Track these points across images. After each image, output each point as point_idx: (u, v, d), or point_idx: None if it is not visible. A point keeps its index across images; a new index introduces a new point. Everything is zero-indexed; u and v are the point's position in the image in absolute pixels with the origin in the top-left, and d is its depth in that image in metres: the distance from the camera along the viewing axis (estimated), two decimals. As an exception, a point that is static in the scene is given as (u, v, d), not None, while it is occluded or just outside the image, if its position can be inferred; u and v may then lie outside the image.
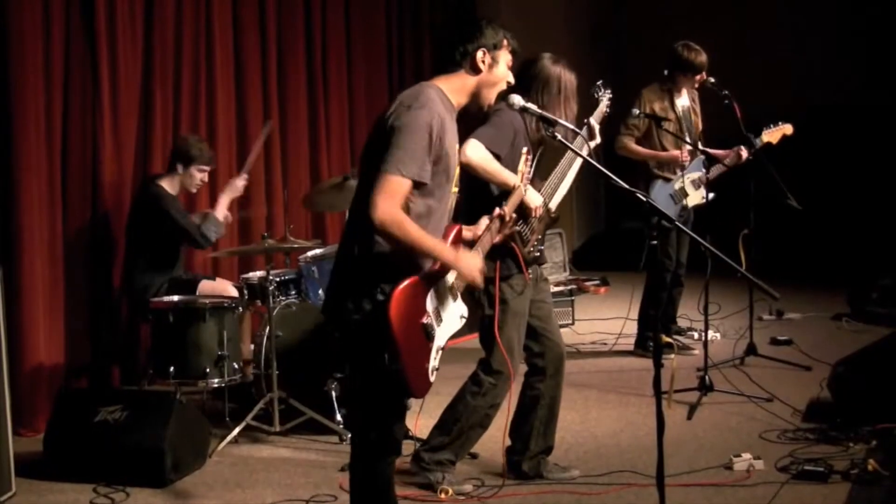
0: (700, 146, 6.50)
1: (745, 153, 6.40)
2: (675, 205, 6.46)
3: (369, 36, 8.42)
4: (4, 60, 5.29)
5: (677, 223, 3.46)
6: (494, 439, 4.53)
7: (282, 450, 5.05)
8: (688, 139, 6.49)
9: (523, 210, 4.19)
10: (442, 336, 3.28)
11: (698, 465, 4.58)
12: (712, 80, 6.37)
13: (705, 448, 4.85)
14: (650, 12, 11.35)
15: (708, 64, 6.48)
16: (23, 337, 5.27)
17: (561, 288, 8.19)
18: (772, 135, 6.40)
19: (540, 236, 4.37)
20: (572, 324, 7.93)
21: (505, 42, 3.35)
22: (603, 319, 7.81)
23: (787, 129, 6.45)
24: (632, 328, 7.02)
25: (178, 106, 6.50)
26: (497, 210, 3.67)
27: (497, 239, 3.71)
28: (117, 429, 4.57)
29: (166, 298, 5.34)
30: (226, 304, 5.24)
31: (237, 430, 5.08)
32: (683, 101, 6.66)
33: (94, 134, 5.78)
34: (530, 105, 3.99)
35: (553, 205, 4.44)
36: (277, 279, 5.57)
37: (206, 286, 5.72)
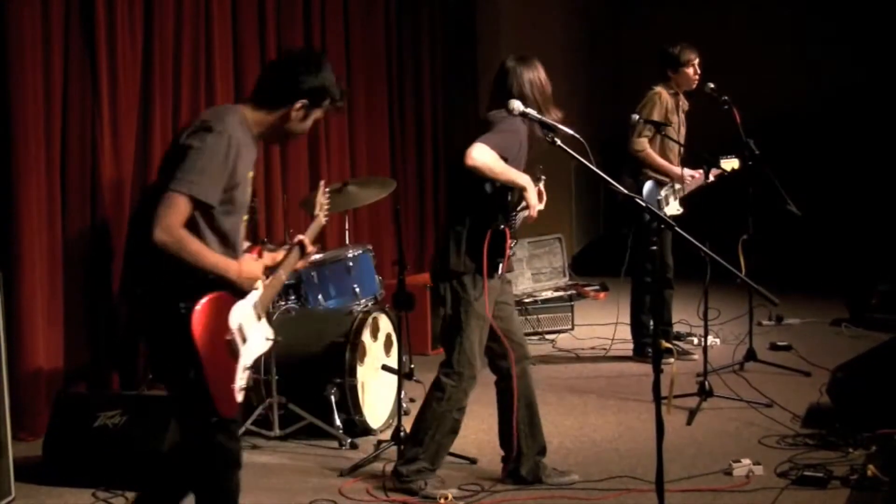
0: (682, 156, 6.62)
1: (709, 177, 6.42)
2: (660, 210, 6.48)
3: (368, 41, 8.42)
4: (4, 62, 5.30)
5: (676, 227, 3.45)
6: (493, 444, 4.54)
7: (281, 455, 5.05)
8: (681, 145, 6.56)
9: (521, 202, 4.21)
10: (248, 356, 3.24)
11: (697, 470, 4.58)
12: (711, 85, 6.38)
13: (705, 453, 4.85)
14: (649, 17, 11.35)
15: (695, 60, 6.52)
16: (22, 341, 5.26)
17: (560, 293, 8.19)
18: (727, 164, 6.39)
19: (515, 241, 4.35)
20: (572, 329, 7.92)
21: (327, 102, 3.32)
22: (602, 324, 7.80)
23: (735, 163, 6.42)
24: (624, 332, 7.03)
25: (177, 110, 6.50)
26: (298, 237, 3.61)
27: (300, 266, 3.64)
28: (117, 433, 4.57)
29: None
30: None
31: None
32: (684, 107, 6.70)
33: (94, 138, 5.78)
34: (530, 110, 4.01)
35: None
36: (277, 284, 5.57)
37: None
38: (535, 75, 4.33)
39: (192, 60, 6.57)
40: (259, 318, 3.34)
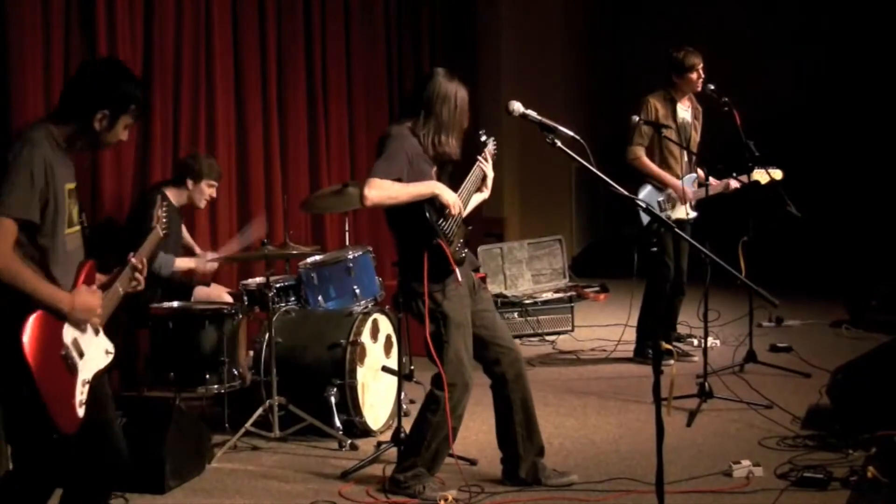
0: (694, 163, 6.59)
1: (734, 185, 6.45)
2: (661, 213, 6.47)
3: (368, 41, 8.43)
4: (4, 62, 5.30)
5: (676, 229, 3.46)
6: (493, 445, 4.54)
7: (281, 456, 5.04)
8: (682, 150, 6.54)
9: (442, 208, 4.21)
10: (87, 370, 3.21)
11: (697, 471, 4.58)
12: (712, 86, 6.38)
13: (704, 455, 4.85)
14: (650, 18, 11.35)
15: (699, 65, 6.51)
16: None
17: (560, 294, 8.18)
18: (762, 175, 6.38)
19: (462, 240, 4.35)
20: (572, 330, 7.92)
21: (132, 107, 3.28)
22: (602, 326, 7.80)
23: (777, 174, 6.42)
24: (631, 335, 7.02)
25: (177, 113, 6.51)
26: (130, 256, 3.52)
27: (132, 287, 3.52)
28: (116, 435, 4.56)
29: (166, 305, 5.35)
30: (225, 311, 5.25)
31: (237, 436, 5.07)
32: (685, 114, 6.68)
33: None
34: (530, 112, 4.02)
35: (466, 212, 4.42)
36: (277, 285, 5.58)
37: (200, 292, 5.73)
38: (453, 94, 4.28)
39: (193, 60, 6.58)
40: (96, 331, 3.30)
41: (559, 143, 3.95)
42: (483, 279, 4.42)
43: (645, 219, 6.28)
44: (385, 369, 5.30)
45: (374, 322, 5.46)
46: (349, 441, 5.12)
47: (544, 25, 10.71)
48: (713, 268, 3.83)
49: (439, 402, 4.29)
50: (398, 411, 4.87)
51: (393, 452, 4.76)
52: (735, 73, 8.71)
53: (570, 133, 4.10)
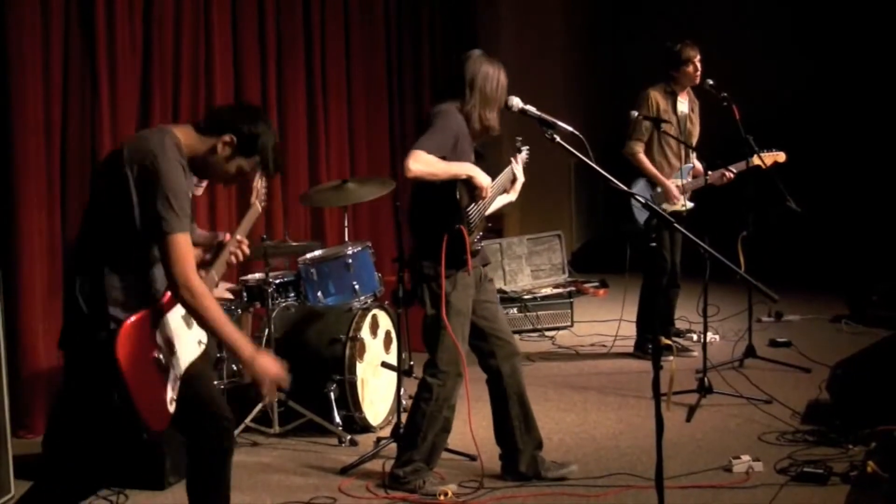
0: (693, 156, 6.60)
1: (729, 175, 6.46)
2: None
3: (368, 41, 8.42)
4: (4, 61, 5.29)
5: (676, 224, 3.45)
6: (493, 441, 4.54)
7: (281, 452, 5.05)
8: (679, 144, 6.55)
9: (474, 192, 4.21)
10: (179, 366, 3.22)
11: (697, 467, 4.58)
12: (711, 81, 6.38)
13: (704, 450, 4.85)
14: (650, 16, 11.35)
15: (696, 57, 6.53)
16: (22, 339, 5.27)
17: (560, 290, 8.19)
18: (764, 159, 6.39)
19: (480, 233, 4.37)
20: (571, 326, 7.93)
21: (256, 159, 3.25)
22: (602, 321, 7.81)
23: (780, 156, 6.44)
24: (627, 329, 7.03)
25: (177, 109, 6.50)
26: (223, 236, 3.53)
27: (232, 262, 3.52)
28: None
29: (165, 301, 5.34)
30: (225, 306, 5.25)
31: (236, 432, 5.07)
32: (683, 107, 6.69)
33: (94, 137, 5.77)
34: (529, 108, 4.02)
35: (489, 211, 4.46)
36: (276, 281, 5.58)
37: None
38: (495, 73, 4.34)
39: (192, 60, 6.57)
40: (189, 325, 3.30)
41: (558, 139, 3.95)
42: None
43: (640, 215, 6.30)
44: (384, 365, 5.30)
45: (374, 318, 5.46)
46: (349, 437, 5.12)
47: (544, 25, 10.70)
48: (712, 263, 3.82)
49: (432, 391, 4.30)
50: (398, 407, 4.88)
51: (392, 448, 4.76)
52: (735, 71, 8.70)
53: (570, 128, 4.10)
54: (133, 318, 3.04)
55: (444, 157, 4.18)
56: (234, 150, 3.22)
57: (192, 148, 3.21)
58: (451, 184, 4.20)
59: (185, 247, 3.02)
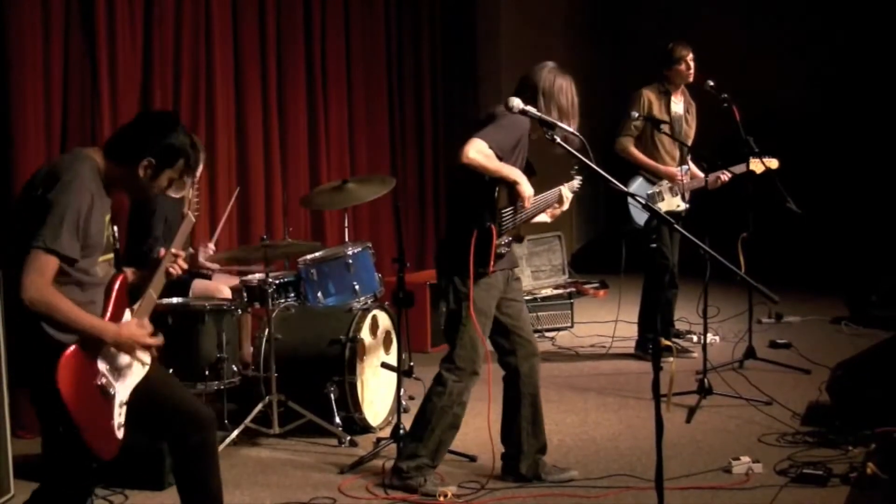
0: (688, 157, 6.65)
1: (725, 178, 6.48)
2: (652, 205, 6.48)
3: (368, 41, 8.42)
4: (4, 61, 5.30)
5: (675, 225, 3.45)
6: (493, 442, 4.53)
7: (281, 452, 5.05)
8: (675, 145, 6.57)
9: (514, 197, 4.21)
10: (124, 391, 3.21)
11: (697, 468, 4.58)
12: (711, 82, 6.38)
13: (704, 451, 4.85)
14: (651, 16, 11.34)
15: (688, 56, 6.56)
16: (22, 339, 5.25)
17: (560, 291, 8.19)
18: (757, 165, 6.41)
19: (510, 239, 4.36)
20: (571, 327, 7.93)
21: (180, 164, 3.28)
22: (602, 322, 7.81)
23: (773, 163, 6.46)
24: (624, 330, 7.04)
25: (177, 109, 6.49)
26: (158, 252, 3.49)
27: (174, 275, 3.49)
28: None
29: (164, 301, 5.33)
30: (225, 307, 5.25)
31: (236, 432, 5.07)
32: (678, 107, 6.71)
33: (94, 137, 5.77)
34: (530, 108, 4.02)
35: (524, 221, 4.45)
36: (276, 282, 5.58)
37: (198, 285, 5.72)
38: (566, 83, 4.40)
39: (193, 59, 6.57)
40: None
41: (559, 140, 3.95)
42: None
43: (638, 216, 6.32)
44: (384, 366, 5.30)
45: (374, 318, 5.46)
46: (348, 437, 5.12)
47: (544, 25, 10.69)
48: (713, 264, 3.82)
49: (446, 385, 4.30)
50: (398, 408, 4.88)
51: (392, 448, 4.76)
52: (735, 71, 8.71)
53: (570, 129, 4.11)
54: (72, 347, 3.03)
55: (500, 158, 4.17)
56: (157, 168, 3.24)
57: (113, 173, 3.23)
58: (493, 183, 4.18)
59: (46, 264, 3.01)
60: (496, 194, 4.19)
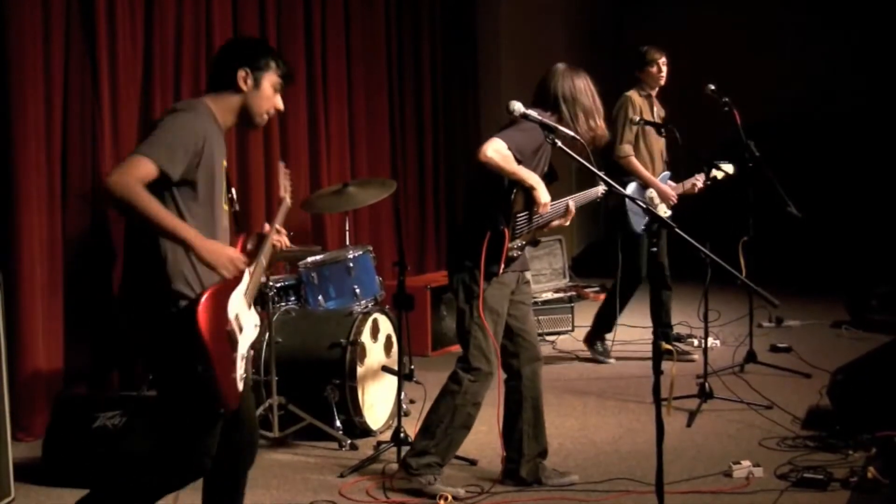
0: (666, 161, 6.77)
1: (699, 184, 6.55)
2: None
3: (369, 42, 8.42)
4: (4, 62, 5.30)
5: (676, 228, 3.46)
6: (493, 445, 4.53)
7: (281, 455, 5.04)
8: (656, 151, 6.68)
9: (531, 202, 4.21)
10: (244, 345, 3.25)
11: (697, 472, 4.58)
12: (712, 86, 6.38)
13: (704, 455, 4.85)
14: (651, 17, 11.35)
15: (660, 59, 6.66)
16: (22, 341, 5.27)
17: (560, 294, 8.20)
18: (719, 172, 6.47)
19: (523, 242, 4.36)
20: (572, 330, 7.92)
21: (272, 64, 3.34)
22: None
23: (729, 168, 6.50)
24: (625, 334, 7.05)
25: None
26: (267, 226, 3.55)
27: (281, 246, 3.54)
28: (116, 434, 4.57)
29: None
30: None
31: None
32: (660, 111, 6.77)
33: (94, 137, 5.78)
34: (530, 112, 4.02)
35: (539, 226, 4.44)
36: (277, 285, 5.58)
37: None
38: (582, 82, 4.41)
39: (193, 59, 6.57)
40: (249, 306, 3.33)
41: (559, 143, 3.96)
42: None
43: (636, 222, 6.35)
44: (385, 369, 5.30)
45: (375, 322, 5.46)
46: (349, 441, 5.12)
47: (544, 25, 10.70)
48: (713, 268, 3.82)
49: (461, 384, 4.30)
50: (398, 411, 4.88)
51: (392, 452, 4.76)
52: (735, 73, 8.71)
53: (570, 133, 4.11)
54: (212, 289, 3.07)
55: (519, 161, 4.16)
56: (255, 74, 3.30)
57: (223, 107, 3.30)
58: (511, 186, 4.18)
59: (138, 164, 2.97)
60: (512, 197, 4.19)
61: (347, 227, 6.19)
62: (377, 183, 5.91)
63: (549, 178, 4.33)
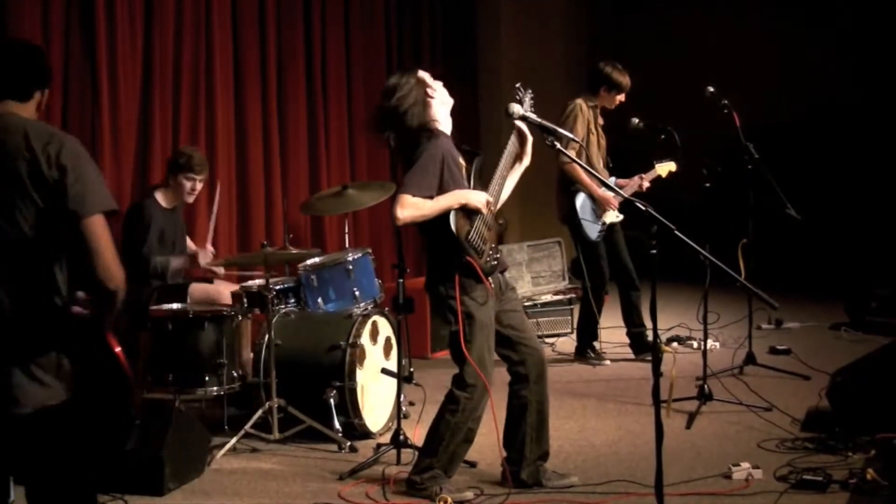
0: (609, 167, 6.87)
1: (645, 184, 6.70)
2: (597, 219, 6.72)
3: (369, 42, 8.44)
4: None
5: (676, 230, 3.47)
6: (493, 448, 4.53)
7: (280, 458, 5.04)
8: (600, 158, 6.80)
9: (473, 214, 4.22)
10: None
11: (697, 474, 4.58)
12: (711, 89, 6.38)
13: (704, 457, 4.85)
14: (651, 18, 11.36)
15: (628, 88, 6.76)
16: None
17: (560, 297, 8.20)
18: (663, 169, 6.52)
19: (494, 244, 4.36)
20: (571, 332, 7.92)
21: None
22: (601, 328, 7.79)
23: (672, 166, 6.64)
24: (621, 336, 7.06)
25: (177, 113, 6.51)
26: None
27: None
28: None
29: (165, 306, 5.34)
30: (225, 312, 5.25)
31: (236, 438, 5.07)
32: (601, 120, 6.85)
33: (94, 139, 5.78)
34: (530, 114, 4.03)
35: (504, 197, 4.43)
36: (277, 287, 5.58)
37: (196, 289, 5.72)
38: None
39: (193, 59, 6.59)
40: None
41: (559, 146, 3.96)
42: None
43: (590, 230, 6.42)
44: (384, 371, 5.30)
45: (374, 324, 5.46)
46: (348, 443, 5.12)
47: (544, 25, 10.70)
48: (713, 270, 3.82)
49: (458, 403, 4.29)
50: (397, 413, 4.88)
51: (392, 454, 4.76)
52: (735, 75, 8.71)
53: (570, 135, 4.12)
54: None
55: (430, 196, 4.16)
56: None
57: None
58: (445, 218, 4.17)
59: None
60: (452, 226, 4.18)
61: (347, 230, 6.19)
62: (377, 185, 5.91)
63: (470, 158, 4.33)
